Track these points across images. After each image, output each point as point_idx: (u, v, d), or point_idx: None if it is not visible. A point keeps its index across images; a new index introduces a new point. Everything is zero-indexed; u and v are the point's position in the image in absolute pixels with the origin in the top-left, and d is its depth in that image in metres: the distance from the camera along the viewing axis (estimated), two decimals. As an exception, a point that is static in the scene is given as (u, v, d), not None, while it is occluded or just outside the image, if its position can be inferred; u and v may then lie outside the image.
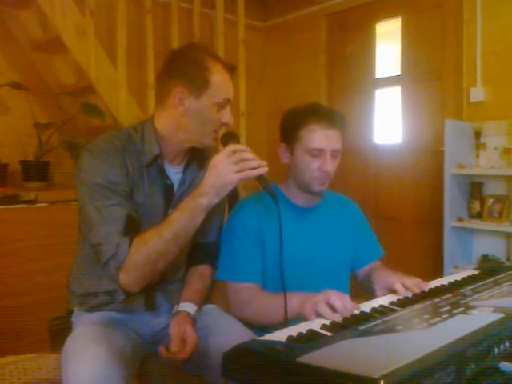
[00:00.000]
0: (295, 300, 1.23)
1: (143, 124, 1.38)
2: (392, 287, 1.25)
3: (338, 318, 1.02)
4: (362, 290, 1.57)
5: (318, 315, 1.07)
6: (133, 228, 1.22)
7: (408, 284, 1.23)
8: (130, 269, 1.19)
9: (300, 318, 1.15)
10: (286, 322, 1.19)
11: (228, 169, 1.16)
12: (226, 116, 1.32)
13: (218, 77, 1.30)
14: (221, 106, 1.31)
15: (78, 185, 1.28)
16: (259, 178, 1.21)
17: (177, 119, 1.32)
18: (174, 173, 1.37)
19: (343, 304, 1.06)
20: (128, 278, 1.20)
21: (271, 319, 1.29)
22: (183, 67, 1.31)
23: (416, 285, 1.23)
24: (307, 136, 1.44)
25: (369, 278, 1.47)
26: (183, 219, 1.20)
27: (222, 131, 1.36)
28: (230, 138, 1.27)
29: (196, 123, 1.31)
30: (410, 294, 1.20)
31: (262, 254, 1.46)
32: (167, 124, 1.34)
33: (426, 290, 1.22)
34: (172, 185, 1.37)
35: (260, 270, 1.45)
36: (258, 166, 1.18)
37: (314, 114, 1.45)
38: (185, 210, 1.20)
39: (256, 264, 1.45)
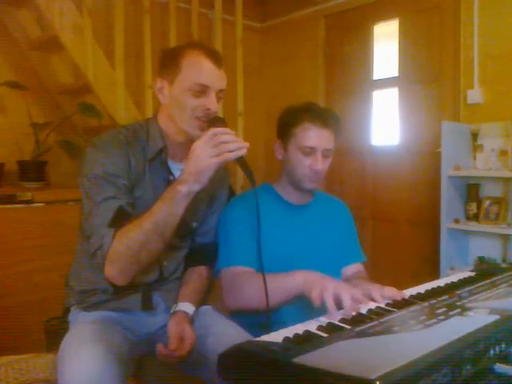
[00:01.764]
0: (301, 276, 1.22)
1: (148, 120, 1.41)
2: (370, 295, 1.21)
3: (338, 317, 1.02)
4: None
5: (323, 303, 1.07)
6: (123, 221, 1.20)
7: (387, 294, 1.18)
8: (113, 260, 1.18)
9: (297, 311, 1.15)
10: (267, 308, 1.19)
11: (206, 153, 1.12)
12: (207, 102, 1.27)
13: (191, 61, 1.28)
14: (196, 91, 1.27)
15: (79, 176, 1.28)
16: (238, 159, 1.17)
17: (165, 111, 1.34)
18: (177, 169, 1.37)
19: (353, 302, 1.06)
20: (112, 269, 1.20)
21: (273, 299, 1.25)
22: (163, 59, 1.34)
23: (393, 295, 1.17)
24: (300, 134, 1.47)
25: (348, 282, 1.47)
26: (163, 208, 1.17)
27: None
28: (214, 122, 1.24)
29: (175, 111, 1.31)
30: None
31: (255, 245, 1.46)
32: (163, 118, 1.36)
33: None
34: (175, 180, 1.36)
35: (255, 256, 1.44)
36: (237, 148, 1.14)
37: (309, 112, 1.48)
38: (164, 199, 1.18)
39: (251, 249, 1.42)
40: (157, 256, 1.25)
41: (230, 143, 1.14)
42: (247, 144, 1.16)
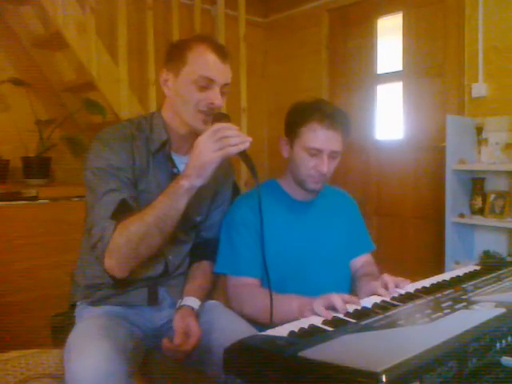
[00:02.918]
0: (296, 303, 1.24)
1: (152, 114, 1.41)
2: (376, 292, 1.22)
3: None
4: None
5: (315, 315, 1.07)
6: (125, 213, 1.20)
7: (389, 284, 1.20)
8: (113, 252, 1.18)
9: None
10: (271, 320, 1.20)
11: (208, 148, 1.13)
12: (211, 95, 1.27)
13: (197, 54, 1.28)
14: (201, 85, 1.27)
15: (84, 170, 1.29)
16: (241, 154, 1.18)
17: (170, 103, 1.35)
18: (181, 162, 1.37)
19: (344, 303, 1.07)
20: (111, 261, 1.19)
21: (270, 319, 1.29)
22: (169, 52, 1.34)
23: (395, 283, 1.20)
24: (307, 134, 1.43)
25: (357, 280, 1.50)
26: (164, 202, 1.18)
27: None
28: (218, 118, 1.24)
29: (179, 104, 1.31)
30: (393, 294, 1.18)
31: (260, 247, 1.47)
32: (167, 111, 1.37)
33: (403, 291, 1.18)
34: (179, 173, 1.36)
35: (259, 264, 1.45)
36: (240, 142, 1.14)
37: (318, 112, 1.43)
38: (167, 193, 1.18)
39: (255, 257, 1.45)
40: (156, 250, 1.25)
41: (233, 137, 1.14)
42: (250, 138, 1.16)
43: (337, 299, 1.07)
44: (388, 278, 1.22)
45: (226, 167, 1.49)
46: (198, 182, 1.17)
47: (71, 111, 2.84)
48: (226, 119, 1.23)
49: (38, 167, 2.61)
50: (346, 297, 1.10)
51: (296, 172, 1.49)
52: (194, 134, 1.25)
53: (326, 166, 1.43)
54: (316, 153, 1.43)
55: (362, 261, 1.61)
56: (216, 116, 1.26)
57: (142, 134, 1.34)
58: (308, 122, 1.43)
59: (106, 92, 2.72)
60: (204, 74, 1.27)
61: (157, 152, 1.34)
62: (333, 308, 1.07)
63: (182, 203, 1.18)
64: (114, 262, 1.20)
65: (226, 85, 1.32)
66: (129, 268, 1.22)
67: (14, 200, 2.23)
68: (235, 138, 1.14)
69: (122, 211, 1.21)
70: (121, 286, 1.31)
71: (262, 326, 1.29)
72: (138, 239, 1.17)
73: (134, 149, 1.30)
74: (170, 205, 1.17)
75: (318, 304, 1.07)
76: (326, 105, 1.48)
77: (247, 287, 1.42)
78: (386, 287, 1.20)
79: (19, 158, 2.62)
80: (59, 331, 1.43)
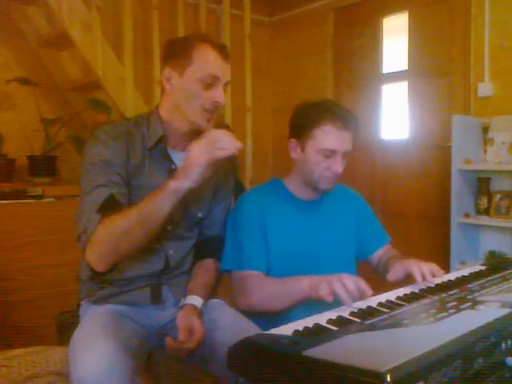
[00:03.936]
0: (306, 281, 1.26)
1: (150, 112, 1.44)
2: (409, 270, 1.28)
3: (352, 302, 1.08)
4: (378, 276, 1.59)
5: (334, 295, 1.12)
6: (113, 208, 1.21)
7: (425, 270, 1.26)
8: (94, 244, 1.19)
9: (306, 308, 1.17)
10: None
11: (197, 150, 1.17)
12: (216, 94, 1.31)
13: (202, 53, 1.32)
14: (207, 83, 1.30)
15: (81, 166, 1.32)
16: (229, 159, 1.23)
17: (171, 100, 1.36)
18: (179, 158, 1.37)
19: (357, 286, 1.11)
20: (91, 253, 1.21)
21: (281, 303, 1.32)
22: (171, 49, 1.37)
23: (431, 272, 1.26)
24: (320, 136, 1.43)
25: (385, 265, 1.50)
26: (150, 201, 1.18)
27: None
28: (219, 127, 1.28)
29: (183, 100, 1.33)
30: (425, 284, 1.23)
31: (265, 244, 1.48)
32: (166, 107, 1.38)
33: (439, 279, 1.25)
34: (176, 169, 1.36)
35: (264, 259, 1.46)
36: (229, 147, 1.17)
37: (329, 113, 1.42)
38: (154, 193, 1.20)
39: (260, 253, 1.46)
40: (137, 249, 1.25)
41: (222, 142, 1.17)
42: (239, 145, 1.19)
43: (349, 282, 1.12)
44: (424, 267, 1.27)
45: (226, 164, 1.51)
46: (186, 184, 1.18)
47: (77, 110, 2.85)
48: (225, 128, 1.27)
49: (44, 166, 2.62)
50: (359, 280, 1.14)
51: (308, 173, 1.48)
52: (193, 132, 1.29)
53: (341, 166, 1.44)
54: (330, 154, 1.43)
55: (380, 254, 1.62)
56: (217, 125, 1.31)
57: (139, 131, 1.36)
58: (320, 123, 1.42)
59: (112, 91, 2.73)
60: (210, 72, 1.30)
61: (153, 148, 1.35)
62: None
63: (167, 204, 1.18)
64: (95, 255, 1.21)
65: (227, 82, 1.36)
66: (108, 262, 1.23)
67: (19, 198, 2.24)
68: (223, 143, 1.17)
69: (110, 206, 1.22)
70: (124, 285, 1.31)
71: (266, 320, 1.30)
72: (119, 234, 1.18)
73: (129, 146, 1.32)
74: (155, 204, 1.18)
75: (340, 287, 1.12)
76: (335, 105, 1.48)
77: (253, 277, 1.42)
78: (423, 276, 1.26)
79: (25, 157, 2.63)
80: (64, 329, 1.44)
